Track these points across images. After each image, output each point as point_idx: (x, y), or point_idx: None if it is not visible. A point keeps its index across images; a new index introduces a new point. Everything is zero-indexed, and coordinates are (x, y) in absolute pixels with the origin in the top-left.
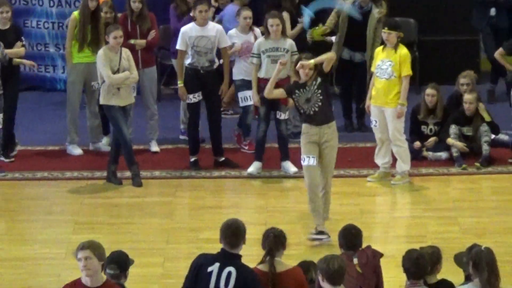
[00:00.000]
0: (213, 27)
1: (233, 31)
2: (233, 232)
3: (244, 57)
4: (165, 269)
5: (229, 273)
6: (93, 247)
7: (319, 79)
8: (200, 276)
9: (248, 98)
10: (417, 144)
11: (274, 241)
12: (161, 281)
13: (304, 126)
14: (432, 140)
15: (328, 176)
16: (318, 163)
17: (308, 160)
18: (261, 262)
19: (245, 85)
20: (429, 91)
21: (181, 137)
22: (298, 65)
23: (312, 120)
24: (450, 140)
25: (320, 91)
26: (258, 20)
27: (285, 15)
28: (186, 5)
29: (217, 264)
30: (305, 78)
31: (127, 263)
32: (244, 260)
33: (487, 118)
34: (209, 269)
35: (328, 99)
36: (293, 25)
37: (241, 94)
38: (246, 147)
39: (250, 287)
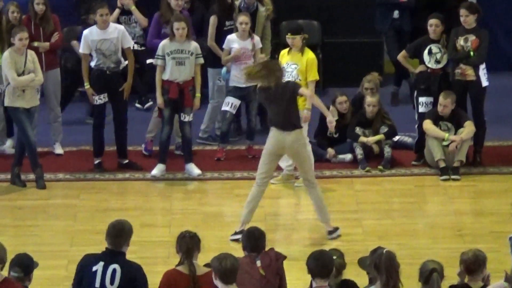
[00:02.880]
0: (115, 29)
1: (232, 36)
2: (116, 234)
3: (239, 64)
4: (69, 271)
5: (114, 270)
6: None
7: None
8: (85, 276)
9: (231, 105)
10: (331, 152)
11: (191, 241)
12: (65, 284)
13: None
14: (331, 151)
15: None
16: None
17: None
18: (180, 263)
19: (235, 92)
20: (340, 99)
21: (144, 152)
22: None
23: None
24: (363, 138)
25: None
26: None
27: (213, 19)
28: (171, 13)
29: (101, 263)
30: None
31: (31, 266)
32: (148, 262)
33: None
34: (94, 268)
35: None
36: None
37: (227, 99)
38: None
39: (137, 282)
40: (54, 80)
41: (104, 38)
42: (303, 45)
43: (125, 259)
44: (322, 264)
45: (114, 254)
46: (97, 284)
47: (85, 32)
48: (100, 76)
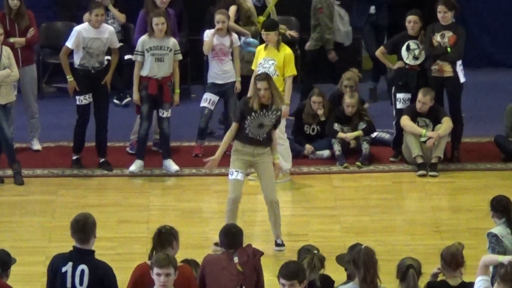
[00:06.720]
0: (106, 29)
1: (210, 31)
2: (81, 228)
3: (217, 60)
4: (47, 267)
5: (82, 271)
6: None
7: (278, 112)
8: (57, 277)
9: (209, 101)
10: (309, 148)
11: (159, 239)
12: (42, 280)
13: (238, 143)
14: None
15: (271, 193)
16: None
17: (236, 175)
18: (149, 259)
19: (213, 88)
20: (315, 98)
21: (129, 150)
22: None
23: (252, 142)
24: (341, 134)
25: (275, 120)
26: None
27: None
28: None
29: (70, 264)
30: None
31: (9, 262)
32: (126, 258)
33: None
34: (63, 269)
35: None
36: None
37: (205, 95)
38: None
39: (105, 283)
40: (30, 76)
41: (96, 37)
42: (279, 41)
43: (93, 258)
44: (288, 266)
45: (82, 253)
46: (69, 284)
47: (78, 28)
48: (85, 76)
